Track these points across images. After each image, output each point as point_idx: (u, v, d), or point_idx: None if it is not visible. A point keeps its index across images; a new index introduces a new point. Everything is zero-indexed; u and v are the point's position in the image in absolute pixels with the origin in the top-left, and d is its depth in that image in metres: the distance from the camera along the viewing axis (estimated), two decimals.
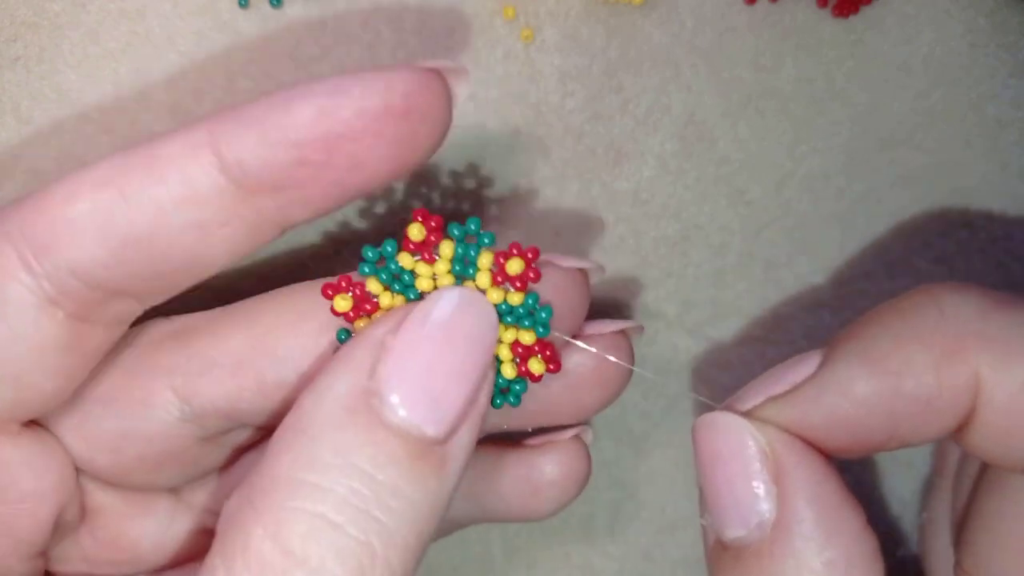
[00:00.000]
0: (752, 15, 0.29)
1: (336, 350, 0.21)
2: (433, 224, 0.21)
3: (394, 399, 0.18)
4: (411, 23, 0.28)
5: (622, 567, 0.34)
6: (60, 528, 0.24)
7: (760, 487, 0.20)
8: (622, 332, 0.25)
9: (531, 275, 0.21)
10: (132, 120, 0.27)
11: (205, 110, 0.28)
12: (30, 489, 0.22)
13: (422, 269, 0.21)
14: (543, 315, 0.22)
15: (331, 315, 0.22)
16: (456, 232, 0.21)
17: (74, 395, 0.22)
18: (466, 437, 0.19)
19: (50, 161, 0.27)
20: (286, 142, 0.19)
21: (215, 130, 0.19)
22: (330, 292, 0.22)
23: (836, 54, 0.30)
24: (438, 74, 0.20)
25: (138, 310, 0.22)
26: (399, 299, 0.22)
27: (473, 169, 0.29)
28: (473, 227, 0.22)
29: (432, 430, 0.19)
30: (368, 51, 0.28)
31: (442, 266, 0.21)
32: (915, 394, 0.20)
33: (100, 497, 0.25)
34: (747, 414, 0.21)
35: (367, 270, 0.22)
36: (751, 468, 0.20)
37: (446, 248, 0.21)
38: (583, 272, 0.23)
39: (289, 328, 0.22)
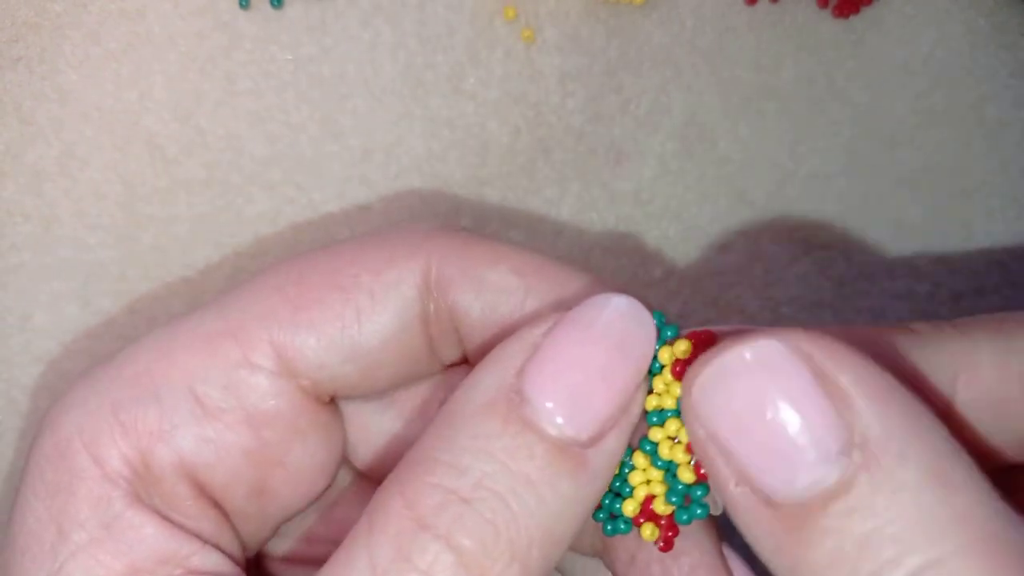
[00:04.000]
0: (752, 15, 0.29)
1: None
2: None
3: (533, 395, 0.19)
4: (411, 23, 0.28)
5: None
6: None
7: (829, 411, 0.17)
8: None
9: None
10: (132, 120, 0.27)
11: (205, 110, 0.28)
12: (330, 463, 0.23)
13: None
14: (698, 511, 0.20)
15: None
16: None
17: None
18: (612, 445, 0.19)
19: (51, 161, 0.28)
20: None
21: None
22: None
23: (836, 54, 0.30)
24: None
25: None
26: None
27: (473, 169, 0.29)
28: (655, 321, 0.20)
29: (572, 431, 0.19)
30: (368, 51, 0.28)
31: None
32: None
33: None
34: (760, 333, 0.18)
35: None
36: (812, 393, 0.17)
37: None
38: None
39: None
